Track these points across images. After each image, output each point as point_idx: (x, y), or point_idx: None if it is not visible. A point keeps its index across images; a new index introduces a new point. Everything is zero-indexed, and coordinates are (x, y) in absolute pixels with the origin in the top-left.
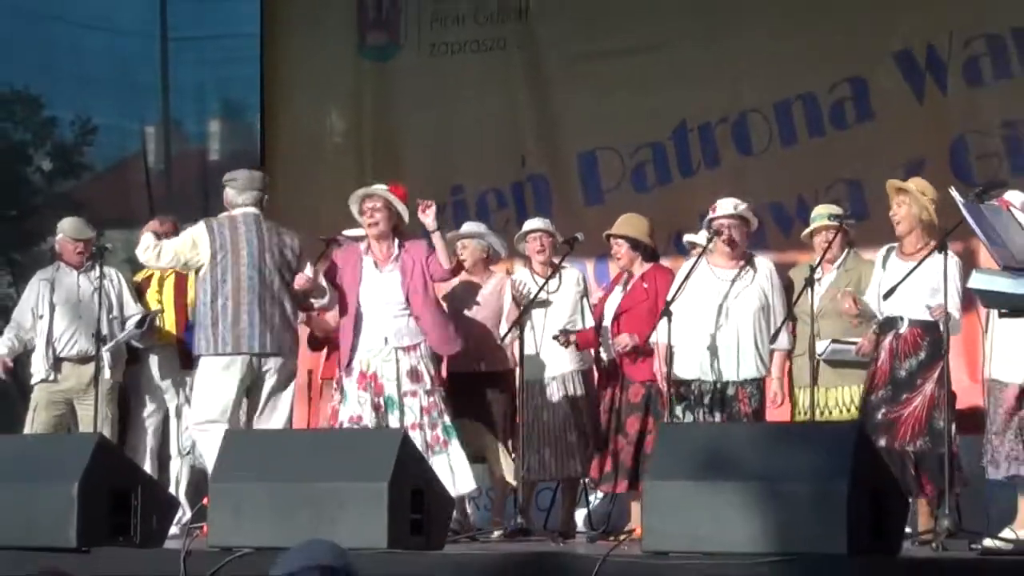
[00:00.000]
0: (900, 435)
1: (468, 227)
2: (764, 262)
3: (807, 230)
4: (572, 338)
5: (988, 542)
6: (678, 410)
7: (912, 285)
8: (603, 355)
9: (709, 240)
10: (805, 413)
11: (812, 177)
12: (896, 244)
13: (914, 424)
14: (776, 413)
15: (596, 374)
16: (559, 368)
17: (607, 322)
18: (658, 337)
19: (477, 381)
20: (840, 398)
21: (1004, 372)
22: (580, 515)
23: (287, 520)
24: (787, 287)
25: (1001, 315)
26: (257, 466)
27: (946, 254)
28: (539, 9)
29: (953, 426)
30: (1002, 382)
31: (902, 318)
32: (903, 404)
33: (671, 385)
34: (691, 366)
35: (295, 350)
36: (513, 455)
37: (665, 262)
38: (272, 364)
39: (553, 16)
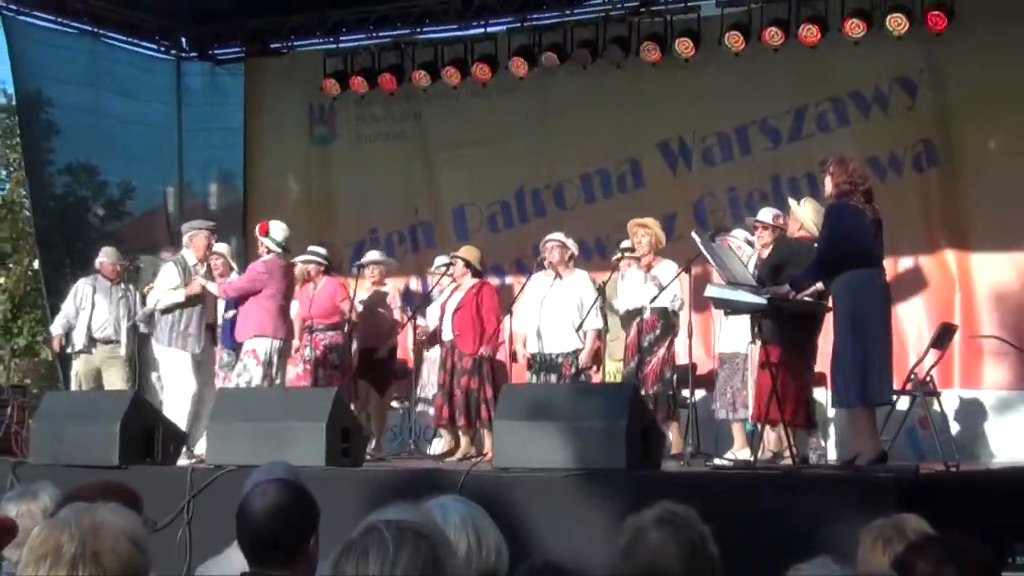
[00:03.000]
0: (647, 385)
1: (372, 255)
2: (579, 273)
3: (615, 257)
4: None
5: (717, 461)
6: (529, 376)
7: (649, 287)
8: (444, 337)
9: (540, 260)
10: (614, 376)
11: (604, 225)
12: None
13: (652, 376)
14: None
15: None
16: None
17: (448, 315)
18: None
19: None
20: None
21: (730, 347)
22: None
23: (258, 447)
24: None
25: (727, 314)
26: (240, 411)
27: (691, 273)
28: (428, 114)
29: (675, 375)
30: (729, 353)
31: (644, 308)
32: (646, 364)
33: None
34: (533, 344)
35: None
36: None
37: (509, 279)
38: None
39: (437, 119)
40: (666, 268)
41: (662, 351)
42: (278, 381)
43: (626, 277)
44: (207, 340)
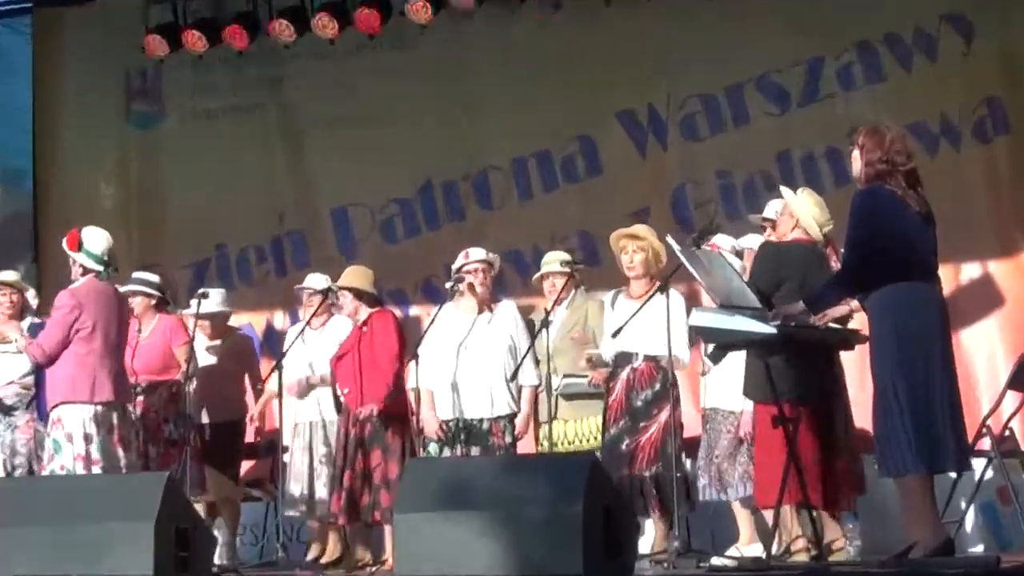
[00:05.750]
0: (639, 462)
1: (211, 299)
2: (507, 304)
3: (537, 275)
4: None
5: (716, 560)
6: (432, 448)
7: (643, 323)
8: (339, 394)
9: (453, 287)
10: (573, 442)
11: (547, 228)
12: (624, 288)
13: (650, 451)
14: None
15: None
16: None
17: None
18: (410, 382)
19: (231, 427)
20: (579, 430)
21: (716, 400)
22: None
23: (61, 559)
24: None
25: (709, 356)
26: (33, 509)
27: (668, 294)
28: (294, 80)
29: (683, 452)
30: (725, 410)
31: (636, 354)
32: (641, 432)
33: (419, 425)
34: (445, 406)
35: None
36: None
37: (415, 309)
38: None
39: (307, 87)
40: (671, 299)
41: (664, 415)
42: (100, 465)
43: (616, 308)
44: None
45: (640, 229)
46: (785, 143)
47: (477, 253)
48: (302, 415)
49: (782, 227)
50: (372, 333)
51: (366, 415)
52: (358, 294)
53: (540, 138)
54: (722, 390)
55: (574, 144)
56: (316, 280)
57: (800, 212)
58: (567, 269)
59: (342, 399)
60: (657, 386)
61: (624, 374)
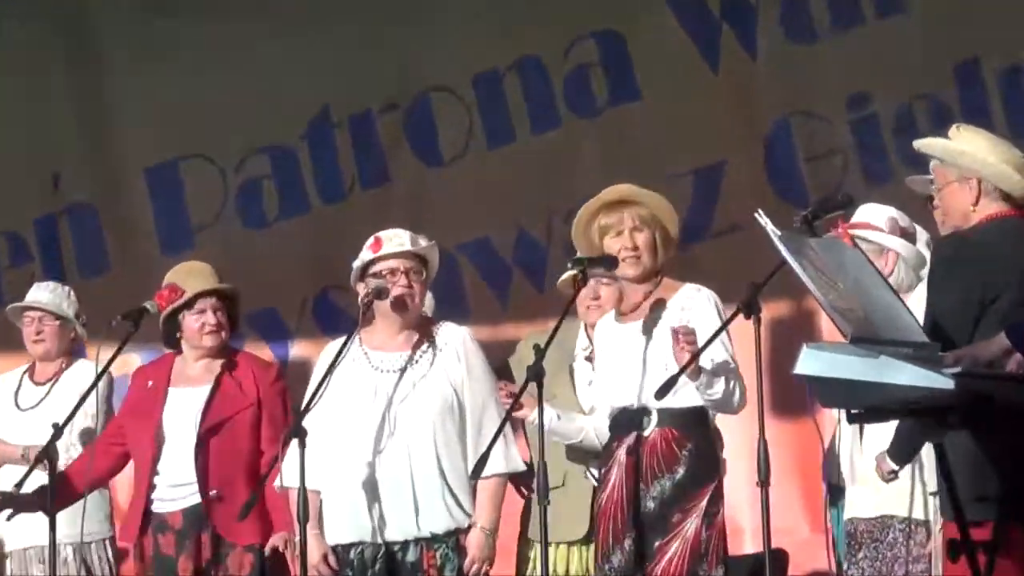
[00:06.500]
0: None
1: None
2: (453, 332)
3: (563, 276)
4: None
5: None
6: None
7: (656, 353)
8: (159, 508)
9: (366, 306)
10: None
11: (540, 198)
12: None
13: None
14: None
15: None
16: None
17: (177, 439)
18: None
19: None
20: None
21: (879, 505)
22: None
23: None
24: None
25: (850, 419)
26: None
27: (758, 320)
28: None
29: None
30: (912, 520)
31: (647, 411)
32: (657, 555)
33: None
34: (348, 522)
35: None
36: None
37: (301, 345)
38: None
39: None
40: (694, 304)
41: (693, 524)
42: None
43: (602, 332)
44: None
45: (634, 191)
46: (968, 46)
47: (395, 241)
48: (32, 534)
49: (956, 202)
50: (258, 391)
51: (280, 546)
52: (231, 306)
53: (526, 38)
54: (900, 484)
55: (588, 47)
56: (44, 294)
57: (980, 163)
58: (577, 271)
59: (205, 508)
60: (681, 470)
61: (622, 452)
